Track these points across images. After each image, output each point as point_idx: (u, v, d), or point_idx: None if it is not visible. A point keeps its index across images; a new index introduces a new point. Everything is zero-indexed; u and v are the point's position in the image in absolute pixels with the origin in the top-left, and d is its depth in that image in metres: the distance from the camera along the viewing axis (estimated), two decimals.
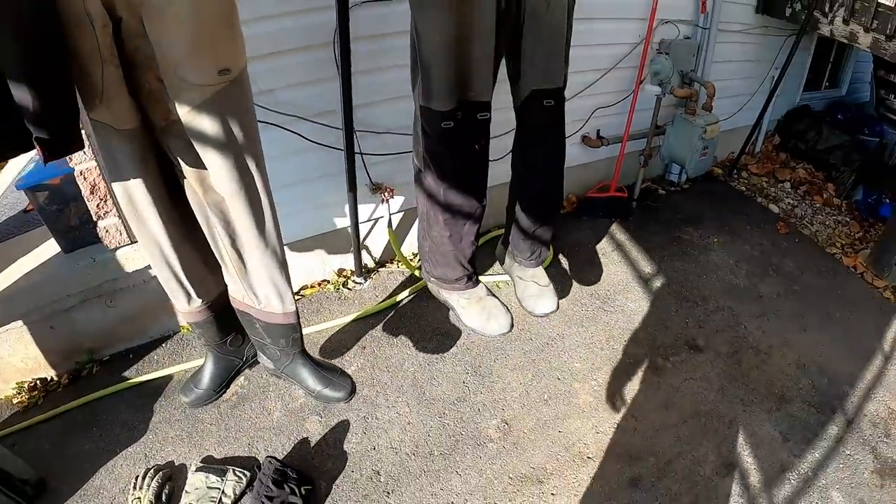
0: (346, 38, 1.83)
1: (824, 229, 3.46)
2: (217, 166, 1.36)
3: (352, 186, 2.21)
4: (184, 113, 1.28)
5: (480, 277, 2.69)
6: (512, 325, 1.93)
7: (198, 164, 1.37)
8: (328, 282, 2.67)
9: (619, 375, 2.33)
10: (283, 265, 1.64)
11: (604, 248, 3.05)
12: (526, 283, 2.08)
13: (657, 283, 2.81)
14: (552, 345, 2.42)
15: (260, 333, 1.78)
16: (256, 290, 1.64)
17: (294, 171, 2.31)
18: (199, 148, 1.33)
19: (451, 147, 1.65)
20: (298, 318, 1.79)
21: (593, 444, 2.04)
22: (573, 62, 1.88)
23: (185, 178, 1.43)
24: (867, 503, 1.92)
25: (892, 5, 2.76)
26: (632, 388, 2.28)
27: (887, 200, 3.77)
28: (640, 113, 3.11)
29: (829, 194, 3.77)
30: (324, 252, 2.61)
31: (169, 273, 1.61)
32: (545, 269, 2.24)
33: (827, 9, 3.07)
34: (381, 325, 2.49)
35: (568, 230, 3.16)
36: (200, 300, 1.70)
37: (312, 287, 2.66)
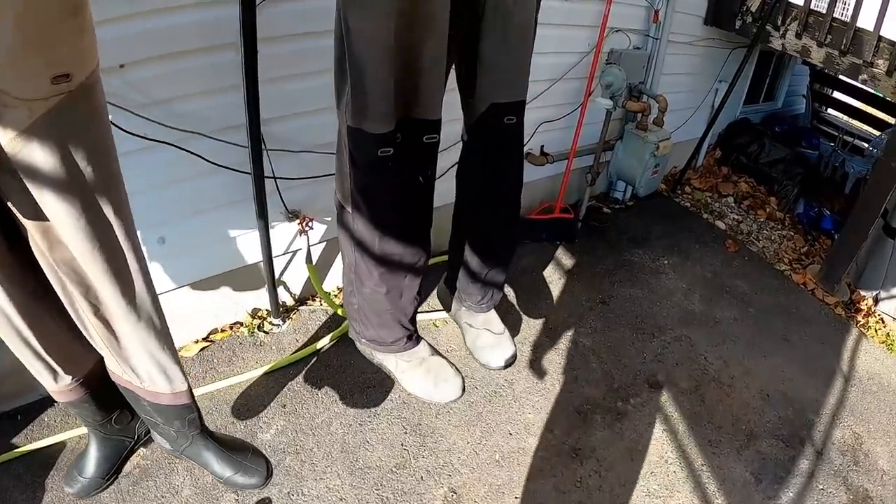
0: (251, 33, 1.43)
1: (771, 245, 3.33)
2: (59, 213, 0.98)
3: (262, 213, 1.80)
4: (7, 141, 0.89)
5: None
6: (464, 389, 1.59)
7: (38, 210, 1.00)
8: (241, 324, 2.23)
9: (578, 424, 2.03)
10: (163, 337, 1.29)
11: (550, 275, 2.76)
12: (477, 331, 1.74)
13: (610, 314, 2.55)
14: (501, 393, 2.09)
15: (149, 412, 1.45)
16: (135, 368, 1.31)
17: (194, 198, 1.88)
18: (32, 189, 0.95)
19: (388, 180, 1.29)
20: (193, 396, 1.46)
21: None
22: None
23: (25, 228, 1.05)
24: None
25: (847, 20, 2.63)
26: (592, 439, 1.99)
27: (827, 212, 3.72)
28: (586, 127, 2.85)
29: (772, 208, 3.67)
30: (235, 290, 2.17)
31: (24, 348, 1.23)
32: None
33: (779, 22, 2.93)
34: (303, 375, 2.08)
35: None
36: (70, 377, 1.35)
37: (223, 331, 2.21)
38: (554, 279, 2.72)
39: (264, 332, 2.22)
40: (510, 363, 1.73)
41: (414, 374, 1.58)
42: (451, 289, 1.80)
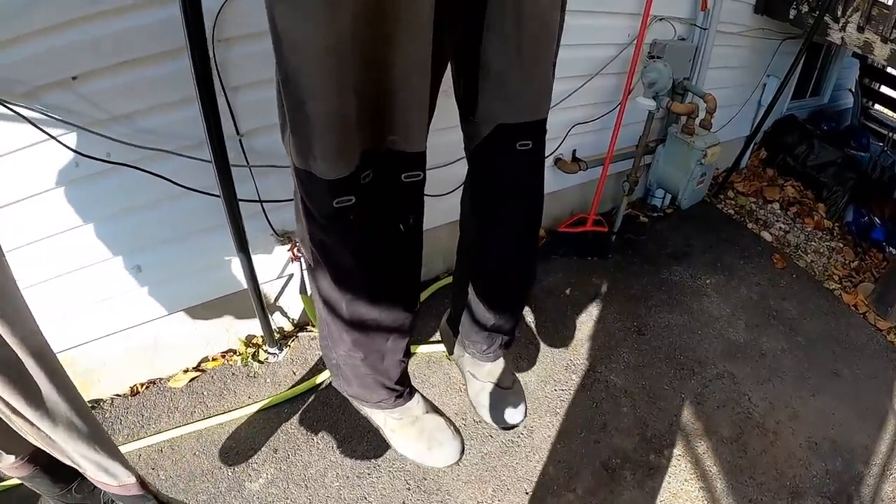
0: (199, 31, 1.04)
1: (819, 259, 2.85)
2: None
3: (241, 245, 1.44)
4: None
5: (419, 347, 1.97)
6: (462, 452, 1.22)
7: None
8: (235, 352, 1.91)
9: (605, 482, 1.66)
10: (91, 438, 1.07)
11: (579, 297, 2.33)
12: (481, 383, 1.35)
13: (645, 346, 2.13)
14: (517, 443, 1.73)
15: (106, 494, 1.26)
16: (75, 462, 1.10)
17: (169, 223, 1.55)
18: None
19: (351, 238, 0.89)
20: (145, 485, 1.23)
21: None
22: None
23: None
24: None
25: None
26: (620, 500, 1.62)
27: (878, 221, 3.19)
28: (624, 128, 2.38)
29: (820, 216, 3.16)
30: (227, 317, 1.85)
31: None
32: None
33: (839, 13, 2.39)
34: (298, 415, 1.75)
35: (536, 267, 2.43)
36: (14, 456, 1.17)
37: (215, 360, 1.90)
38: (583, 302, 2.30)
39: (259, 361, 1.89)
40: (517, 424, 1.35)
41: (405, 433, 1.21)
42: (455, 330, 1.42)
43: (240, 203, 1.47)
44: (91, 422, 1.03)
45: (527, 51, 0.92)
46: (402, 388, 1.19)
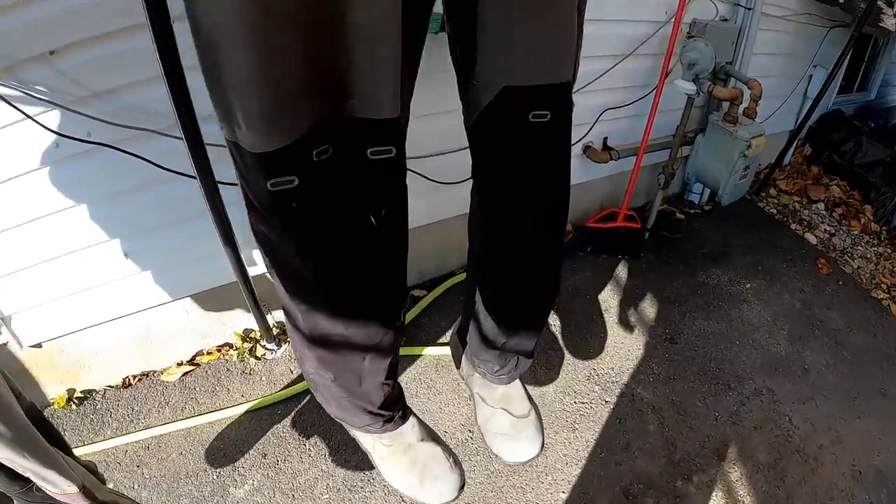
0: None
1: (867, 265, 2.56)
2: None
3: (226, 232, 1.27)
4: None
5: (426, 348, 1.77)
6: (462, 489, 1.01)
7: None
8: (231, 346, 1.76)
9: None
10: (18, 444, 0.95)
11: (608, 300, 2.10)
12: (492, 409, 1.12)
13: (678, 357, 1.89)
14: (529, 462, 1.53)
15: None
16: (13, 466, 1.00)
17: (159, 208, 1.40)
18: None
19: (295, 230, 0.67)
20: (91, 496, 1.09)
21: None
22: None
23: None
24: None
25: None
26: None
27: None
28: (661, 115, 2.12)
29: (867, 219, 2.86)
30: (224, 309, 1.69)
31: None
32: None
33: None
34: (291, 417, 1.59)
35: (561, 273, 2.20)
36: None
37: (210, 353, 1.75)
38: (612, 306, 2.07)
39: (256, 357, 1.73)
40: (530, 460, 1.13)
41: (395, 463, 1.00)
42: (464, 343, 1.21)
43: (232, 186, 1.31)
44: (16, 427, 0.92)
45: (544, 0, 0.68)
46: (391, 413, 0.98)
